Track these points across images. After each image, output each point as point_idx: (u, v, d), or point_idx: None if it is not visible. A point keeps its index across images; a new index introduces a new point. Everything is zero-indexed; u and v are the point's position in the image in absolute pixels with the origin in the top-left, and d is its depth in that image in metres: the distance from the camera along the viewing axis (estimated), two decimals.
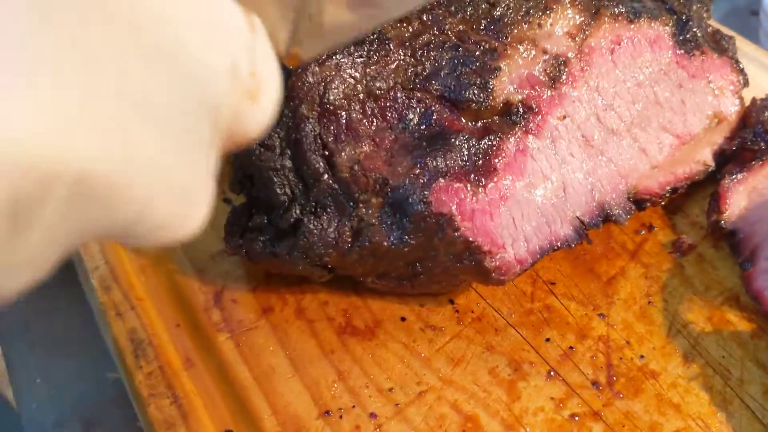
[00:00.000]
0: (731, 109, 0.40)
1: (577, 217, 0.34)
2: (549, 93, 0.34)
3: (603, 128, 0.35)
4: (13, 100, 0.18)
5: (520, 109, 0.33)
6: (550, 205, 0.33)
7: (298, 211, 0.31)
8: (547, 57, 0.34)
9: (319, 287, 0.35)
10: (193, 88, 0.22)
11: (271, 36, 0.26)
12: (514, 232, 0.32)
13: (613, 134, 0.36)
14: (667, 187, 0.38)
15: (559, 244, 0.33)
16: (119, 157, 0.21)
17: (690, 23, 0.39)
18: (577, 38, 0.35)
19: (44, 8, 0.19)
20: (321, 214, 0.31)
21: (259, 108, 0.25)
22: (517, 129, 0.33)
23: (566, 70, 0.34)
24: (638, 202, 0.37)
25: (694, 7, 0.40)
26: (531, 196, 0.33)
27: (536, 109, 0.33)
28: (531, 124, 0.33)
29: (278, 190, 0.31)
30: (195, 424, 0.30)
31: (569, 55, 0.35)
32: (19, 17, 0.18)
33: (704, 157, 0.40)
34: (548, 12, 0.35)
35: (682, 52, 0.39)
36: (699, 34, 0.39)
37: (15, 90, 0.18)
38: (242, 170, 0.33)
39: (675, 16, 0.39)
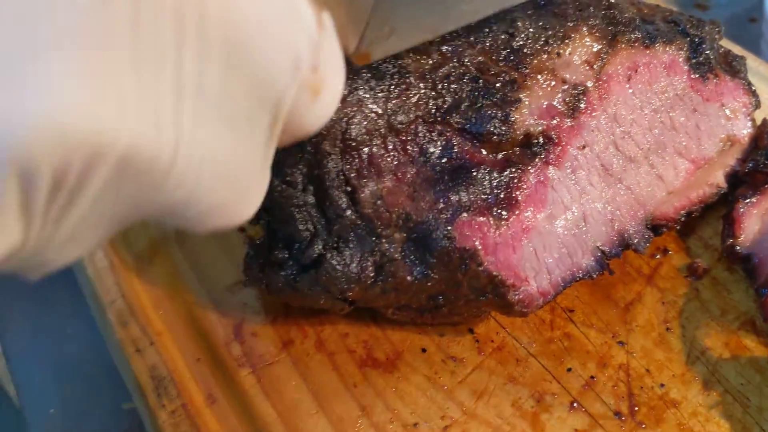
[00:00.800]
0: (744, 131, 0.40)
1: (598, 247, 0.34)
2: (569, 123, 0.34)
3: (621, 156, 0.35)
4: (66, 74, 0.18)
5: (541, 140, 0.33)
6: (571, 236, 0.33)
7: (320, 247, 0.31)
8: (566, 87, 0.34)
9: (338, 319, 0.35)
10: (253, 79, 0.22)
11: (340, 35, 0.26)
12: (536, 264, 0.32)
13: (631, 162, 0.36)
14: (682, 212, 0.38)
15: (581, 274, 0.33)
16: (168, 140, 0.20)
17: (703, 45, 0.39)
18: (595, 66, 0.35)
19: None
20: (343, 249, 0.31)
21: (320, 103, 0.25)
22: (537, 160, 0.33)
23: (585, 98, 0.34)
24: (655, 227, 0.37)
25: (707, 29, 0.40)
26: (552, 228, 0.33)
27: (556, 140, 0.33)
28: (551, 155, 0.33)
29: (300, 226, 0.31)
30: None
31: (588, 84, 0.35)
32: None
33: (717, 179, 0.40)
34: (567, 41, 0.34)
35: (697, 76, 0.39)
36: (712, 57, 0.40)
37: (69, 63, 0.18)
38: (267, 215, 0.33)
39: (688, 39, 0.39)
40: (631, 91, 0.36)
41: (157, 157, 0.20)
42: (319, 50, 0.24)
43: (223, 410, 0.32)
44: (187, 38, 0.21)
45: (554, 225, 0.33)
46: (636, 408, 0.32)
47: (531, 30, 0.34)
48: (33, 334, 0.41)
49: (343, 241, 0.31)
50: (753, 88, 0.41)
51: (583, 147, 0.34)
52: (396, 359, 0.34)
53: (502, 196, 0.32)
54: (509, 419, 0.32)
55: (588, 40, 0.35)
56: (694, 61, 0.39)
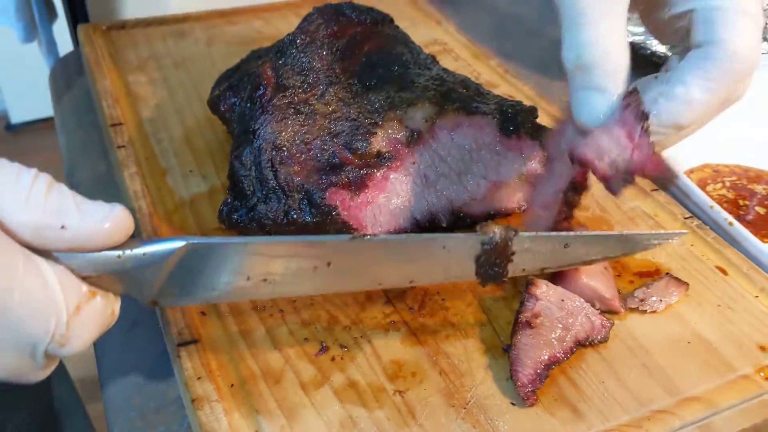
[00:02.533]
0: (536, 172, 0.65)
1: (414, 218, 0.59)
2: (405, 149, 0.60)
3: (438, 173, 0.61)
4: None
5: (387, 155, 0.59)
6: (398, 209, 0.59)
7: (255, 200, 0.58)
8: (407, 130, 0.60)
9: None
10: (17, 334, 0.36)
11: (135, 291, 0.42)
12: (373, 220, 0.58)
13: (445, 177, 0.61)
14: (485, 213, 0.63)
15: (400, 230, 0.59)
16: None
17: (515, 119, 0.65)
18: (428, 121, 0.61)
19: None
20: (268, 202, 0.58)
21: (66, 349, 0.38)
22: (384, 166, 0.59)
23: (418, 138, 0.60)
24: (463, 217, 0.62)
25: (522, 114, 0.65)
26: (387, 203, 0.59)
27: (396, 157, 0.59)
28: (392, 164, 0.59)
29: (246, 188, 0.58)
30: None
31: (422, 129, 0.61)
32: None
33: (518, 199, 0.65)
34: (412, 106, 0.61)
35: (503, 134, 0.64)
36: (521, 127, 0.65)
37: None
38: (231, 178, 0.60)
39: (503, 114, 0.64)
40: (452, 136, 0.61)
41: None
42: (69, 325, 0.37)
43: None
44: None
45: (389, 202, 0.59)
46: (423, 308, 0.56)
47: (391, 99, 0.61)
48: None
49: (268, 198, 0.58)
50: (545, 147, 0.65)
51: (414, 163, 0.60)
52: None
53: (358, 182, 0.58)
54: (350, 305, 0.56)
55: (428, 105, 0.61)
56: (503, 126, 0.64)
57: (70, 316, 0.37)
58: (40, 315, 0.36)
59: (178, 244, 0.41)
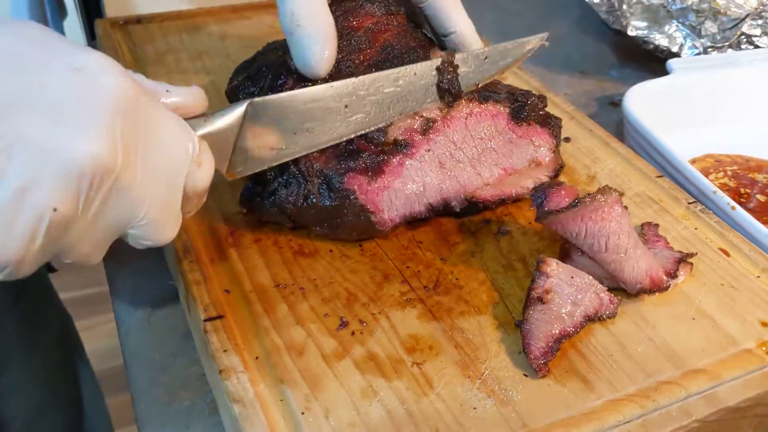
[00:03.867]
0: (546, 158, 0.67)
1: (429, 203, 0.62)
2: (420, 137, 0.62)
3: (453, 159, 0.63)
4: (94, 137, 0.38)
5: (402, 143, 0.61)
6: (414, 194, 0.61)
7: (276, 185, 0.60)
8: (422, 119, 0.62)
9: (287, 231, 0.63)
10: (169, 157, 0.44)
11: (216, 160, 0.50)
12: (389, 205, 0.60)
13: (459, 162, 0.63)
14: (497, 199, 0.65)
15: (415, 215, 0.61)
16: (139, 183, 0.42)
17: (525, 107, 0.67)
18: (443, 110, 0.64)
19: None
20: (288, 186, 0.60)
21: (201, 170, 0.47)
22: (399, 153, 0.61)
23: (433, 126, 0.63)
24: (476, 203, 0.64)
25: (532, 99, 0.68)
26: (403, 188, 0.61)
27: (411, 144, 0.62)
28: (408, 152, 0.61)
29: (267, 173, 0.60)
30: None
31: (437, 119, 0.63)
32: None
33: (527, 184, 0.67)
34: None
35: (514, 122, 0.66)
36: (531, 115, 0.67)
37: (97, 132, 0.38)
38: None
39: (515, 102, 0.67)
40: (465, 125, 0.64)
41: (129, 185, 0.41)
42: (199, 147, 0.47)
43: (217, 266, 0.60)
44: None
45: (405, 187, 0.61)
46: (438, 286, 0.59)
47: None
48: None
49: (288, 183, 0.60)
50: (556, 133, 0.68)
51: (429, 150, 0.62)
52: (315, 252, 0.62)
53: (375, 167, 0.60)
54: (368, 284, 0.59)
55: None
56: (515, 114, 0.66)
57: (198, 143, 0.47)
58: (180, 141, 0.46)
59: (244, 103, 0.53)
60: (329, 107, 0.57)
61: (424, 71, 0.61)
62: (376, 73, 0.60)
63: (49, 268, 0.99)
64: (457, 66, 0.62)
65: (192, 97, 0.49)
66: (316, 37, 0.58)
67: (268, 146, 0.55)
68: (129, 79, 0.41)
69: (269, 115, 0.54)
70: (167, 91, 0.48)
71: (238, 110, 0.53)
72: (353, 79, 0.58)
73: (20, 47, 0.37)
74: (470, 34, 0.66)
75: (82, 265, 0.44)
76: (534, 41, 0.67)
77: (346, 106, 0.58)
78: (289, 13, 0.58)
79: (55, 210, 0.37)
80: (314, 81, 0.60)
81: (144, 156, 0.42)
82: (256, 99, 0.54)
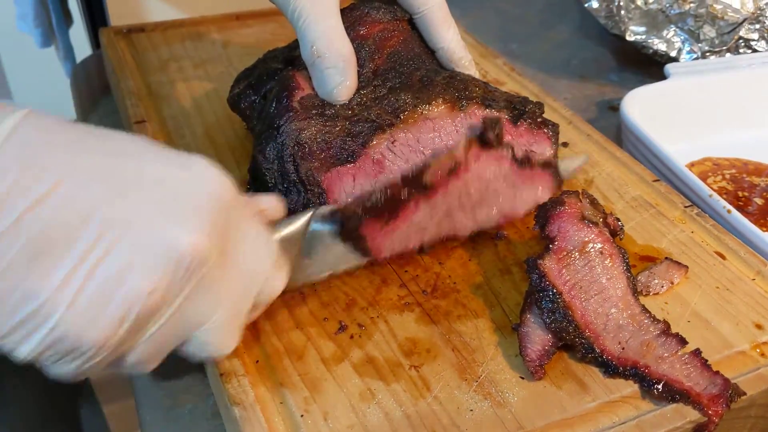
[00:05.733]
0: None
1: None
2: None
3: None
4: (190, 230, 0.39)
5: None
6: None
7: (276, 192, 0.61)
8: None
9: None
10: (255, 270, 0.47)
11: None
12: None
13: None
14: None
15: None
16: (224, 281, 0.43)
17: (523, 114, 0.68)
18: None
19: None
20: (288, 194, 0.61)
21: (279, 276, 0.49)
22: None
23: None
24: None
25: (530, 106, 0.69)
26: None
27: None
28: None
29: (268, 180, 0.61)
30: None
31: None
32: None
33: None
34: (428, 104, 0.64)
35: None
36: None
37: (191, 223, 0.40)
38: (252, 172, 0.63)
39: (514, 110, 0.67)
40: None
41: (216, 282, 0.42)
42: (276, 263, 0.48)
43: None
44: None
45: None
46: (435, 290, 0.59)
47: (409, 98, 0.64)
48: None
49: (289, 191, 0.61)
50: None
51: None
52: None
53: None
54: (366, 288, 0.59)
55: (442, 105, 0.64)
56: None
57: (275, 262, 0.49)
58: (265, 245, 0.48)
59: (308, 212, 0.56)
60: None
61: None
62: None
63: None
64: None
65: (273, 203, 0.52)
66: (336, 67, 0.60)
67: (327, 254, 0.57)
68: (229, 180, 0.43)
69: (329, 225, 0.57)
70: (251, 198, 0.51)
71: (304, 218, 0.55)
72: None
73: (136, 142, 0.41)
74: (458, 51, 0.67)
75: (135, 372, 0.43)
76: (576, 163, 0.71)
77: None
78: (309, 45, 0.60)
79: (149, 293, 0.37)
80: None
81: (232, 255, 0.43)
82: (320, 209, 0.56)
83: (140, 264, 0.37)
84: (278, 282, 0.49)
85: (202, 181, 0.41)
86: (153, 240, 0.37)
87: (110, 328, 0.37)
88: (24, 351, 0.36)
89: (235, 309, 0.45)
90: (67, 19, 1.43)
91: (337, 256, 0.57)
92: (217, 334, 0.44)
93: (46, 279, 0.35)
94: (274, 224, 0.52)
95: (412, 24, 0.71)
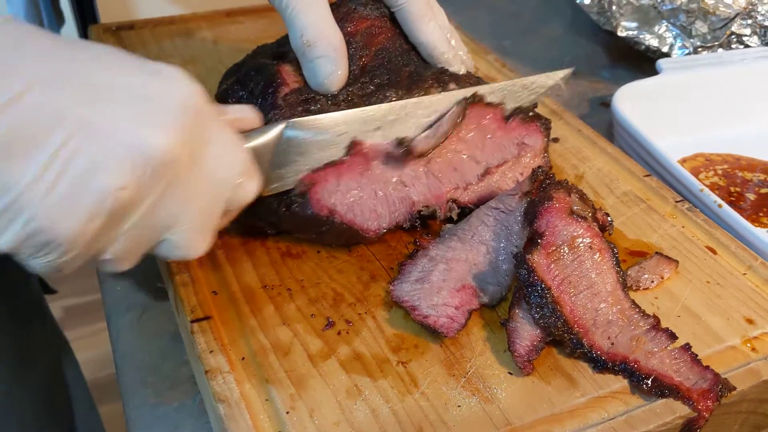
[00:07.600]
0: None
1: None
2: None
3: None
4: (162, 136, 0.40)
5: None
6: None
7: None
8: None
9: (278, 238, 0.63)
10: (225, 176, 0.47)
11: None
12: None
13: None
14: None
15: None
16: (193, 183, 0.43)
17: (517, 110, 0.67)
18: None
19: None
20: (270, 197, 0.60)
21: (244, 189, 0.49)
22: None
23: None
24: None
25: (524, 105, 0.68)
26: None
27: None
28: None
29: None
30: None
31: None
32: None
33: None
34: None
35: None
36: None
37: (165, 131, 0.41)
38: None
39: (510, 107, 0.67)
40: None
41: (185, 183, 0.43)
42: (247, 170, 0.48)
43: (205, 268, 0.60)
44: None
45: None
46: None
47: (395, 96, 0.63)
48: None
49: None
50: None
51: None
52: (302, 253, 0.62)
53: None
54: (355, 284, 0.59)
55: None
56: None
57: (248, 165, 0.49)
58: (235, 152, 0.48)
59: (282, 123, 0.55)
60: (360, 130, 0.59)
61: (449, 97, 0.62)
62: (407, 100, 0.61)
63: (45, 288, 0.99)
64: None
65: (247, 112, 0.53)
66: (327, 56, 0.59)
67: (299, 165, 0.57)
68: (200, 87, 0.44)
69: (303, 134, 0.56)
70: (223, 107, 0.52)
71: (277, 129, 0.54)
72: (386, 105, 0.59)
73: (109, 51, 0.42)
74: (439, 45, 0.66)
75: (113, 269, 0.45)
76: (559, 75, 0.68)
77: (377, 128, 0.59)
78: (299, 34, 0.59)
79: (120, 189, 0.39)
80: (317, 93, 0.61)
81: (201, 159, 0.44)
82: (293, 119, 0.55)
83: (111, 162, 0.38)
84: (249, 189, 0.49)
85: (173, 86, 0.42)
86: (123, 140, 0.39)
87: (83, 221, 0.38)
88: (2, 242, 0.38)
89: (206, 212, 0.46)
90: (58, 18, 1.42)
91: (309, 165, 0.57)
92: (188, 237, 0.45)
93: (20, 174, 0.36)
94: (247, 134, 0.52)
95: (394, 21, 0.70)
